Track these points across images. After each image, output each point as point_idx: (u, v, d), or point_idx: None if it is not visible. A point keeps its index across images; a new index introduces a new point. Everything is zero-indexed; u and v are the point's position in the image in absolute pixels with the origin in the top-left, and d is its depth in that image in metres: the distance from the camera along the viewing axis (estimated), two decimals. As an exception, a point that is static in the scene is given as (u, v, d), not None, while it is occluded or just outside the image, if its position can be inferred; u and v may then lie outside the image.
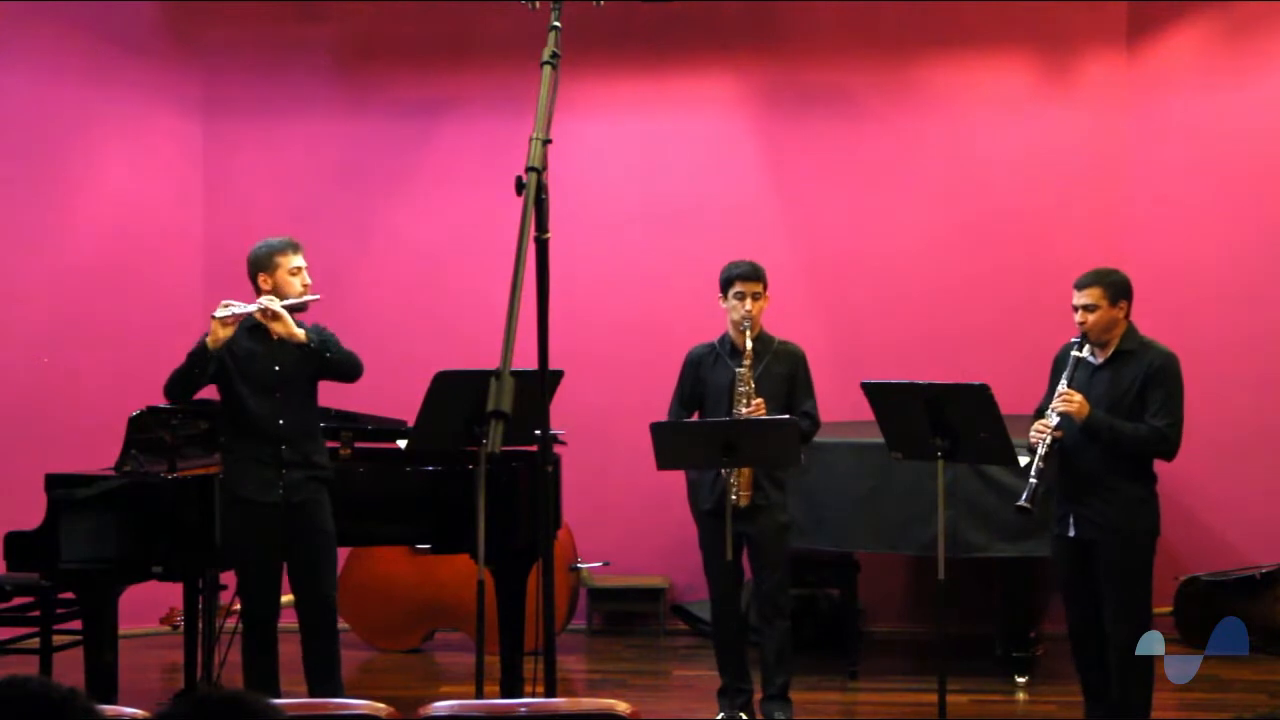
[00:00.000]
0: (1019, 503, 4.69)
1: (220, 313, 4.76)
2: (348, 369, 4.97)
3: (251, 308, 4.83)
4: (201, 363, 4.83)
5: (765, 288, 5.34)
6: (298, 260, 4.96)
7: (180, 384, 4.90)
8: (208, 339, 4.79)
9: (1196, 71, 7.29)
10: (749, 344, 5.25)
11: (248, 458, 4.93)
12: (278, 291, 4.91)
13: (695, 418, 5.41)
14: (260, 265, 4.95)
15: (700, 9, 7.47)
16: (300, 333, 4.85)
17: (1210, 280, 7.17)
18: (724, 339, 5.41)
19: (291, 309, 4.88)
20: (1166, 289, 6.81)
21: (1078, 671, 4.95)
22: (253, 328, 4.91)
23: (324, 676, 4.94)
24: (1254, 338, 7.11)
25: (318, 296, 4.98)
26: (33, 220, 7.21)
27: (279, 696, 4.74)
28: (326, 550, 5.02)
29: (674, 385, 5.50)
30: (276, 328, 4.83)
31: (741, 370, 5.24)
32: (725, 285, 5.34)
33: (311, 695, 4.83)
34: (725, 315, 5.39)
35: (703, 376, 5.41)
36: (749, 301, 5.28)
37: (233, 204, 7.67)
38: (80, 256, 7.32)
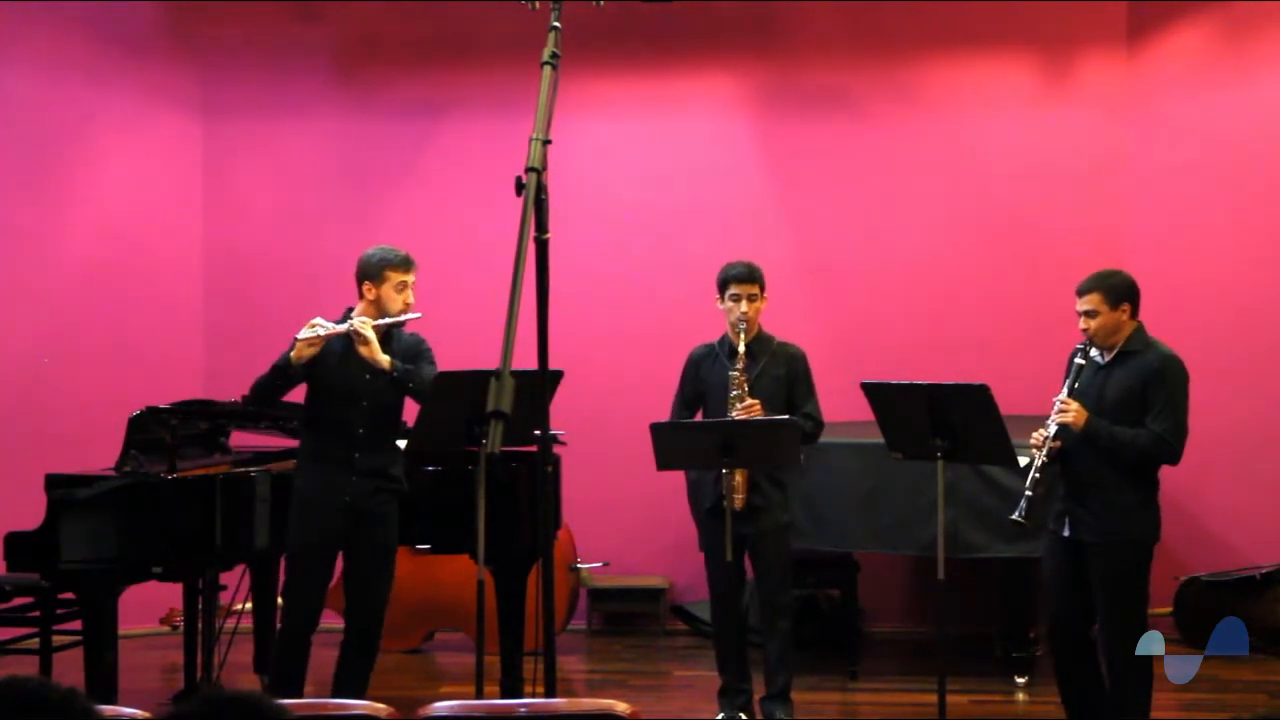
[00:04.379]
0: (1013, 517, 4.67)
1: (305, 334, 4.74)
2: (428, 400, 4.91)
3: (341, 328, 4.80)
4: (284, 376, 4.83)
5: (763, 289, 5.34)
6: (407, 277, 4.93)
7: (263, 393, 4.90)
8: (291, 354, 4.77)
9: (1196, 71, 7.30)
10: (742, 347, 5.25)
11: (321, 460, 4.93)
12: (380, 303, 4.89)
13: (698, 418, 5.41)
14: (369, 273, 4.92)
15: (700, 9, 7.47)
16: (384, 360, 4.80)
17: (1210, 280, 7.17)
18: (724, 339, 5.41)
19: (386, 327, 4.86)
20: (1166, 289, 6.79)
21: (1056, 669, 4.89)
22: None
23: (352, 688, 4.92)
24: (1253, 337, 7.11)
25: (418, 315, 4.95)
26: (33, 220, 7.21)
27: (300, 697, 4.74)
28: (385, 564, 5.00)
29: (674, 385, 5.50)
30: (363, 351, 4.78)
31: (734, 374, 5.24)
32: (721, 286, 5.34)
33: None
34: (725, 315, 5.39)
35: (703, 377, 5.41)
36: (744, 304, 5.27)
37: (232, 204, 7.68)
38: (80, 257, 7.32)
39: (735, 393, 5.22)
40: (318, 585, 4.96)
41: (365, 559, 4.95)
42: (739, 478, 5.20)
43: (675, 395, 5.48)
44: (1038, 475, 4.63)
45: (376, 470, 4.93)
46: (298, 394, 5.05)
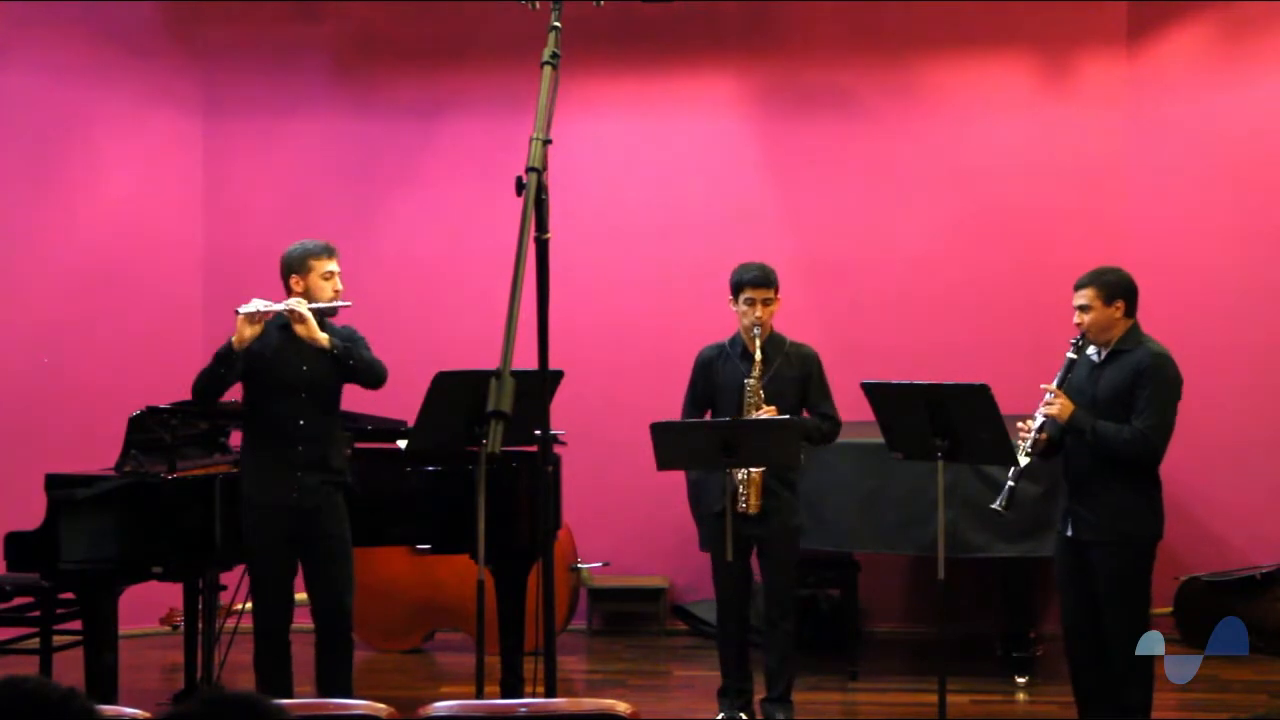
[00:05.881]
0: (993, 505, 4.69)
1: (245, 309, 4.75)
2: (369, 378, 4.93)
3: (278, 307, 4.81)
4: (227, 363, 4.82)
5: (777, 291, 5.32)
6: (332, 265, 4.94)
7: (207, 384, 4.88)
8: (233, 339, 4.77)
9: (1196, 71, 7.29)
10: (758, 353, 5.23)
11: (264, 459, 4.92)
12: (309, 295, 4.89)
13: (708, 417, 5.40)
14: (293, 267, 4.93)
15: (700, 9, 7.47)
16: (323, 337, 4.82)
17: (1210, 280, 7.17)
18: (735, 339, 5.40)
19: (320, 314, 4.86)
20: (1165, 289, 6.79)
21: (1070, 670, 4.92)
22: (284, 326, 4.87)
23: (334, 686, 4.91)
24: (1253, 338, 7.11)
25: (349, 304, 4.95)
26: (33, 220, 7.21)
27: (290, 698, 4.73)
28: (341, 556, 4.97)
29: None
30: (299, 330, 4.80)
31: (750, 382, 5.22)
32: (735, 290, 5.31)
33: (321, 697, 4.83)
34: (730, 314, 5.38)
35: (713, 378, 5.39)
36: (759, 308, 5.25)
37: (232, 204, 7.68)
38: (80, 256, 7.32)
39: (751, 400, 5.21)
40: (284, 585, 4.94)
41: (320, 556, 4.93)
42: (754, 482, 5.19)
43: (686, 395, 5.47)
44: (1021, 466, 4.65)
45: (320, 463, 4.91)
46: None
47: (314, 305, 4.85)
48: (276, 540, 4.88)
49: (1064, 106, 7.41)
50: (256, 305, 4.78)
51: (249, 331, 4.76)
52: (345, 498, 5.02)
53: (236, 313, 4.76)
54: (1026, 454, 4.68)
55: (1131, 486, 4.68)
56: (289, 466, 4.87)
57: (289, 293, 4.93)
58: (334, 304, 4.93)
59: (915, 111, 7.49)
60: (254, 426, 5.01)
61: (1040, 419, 4.69)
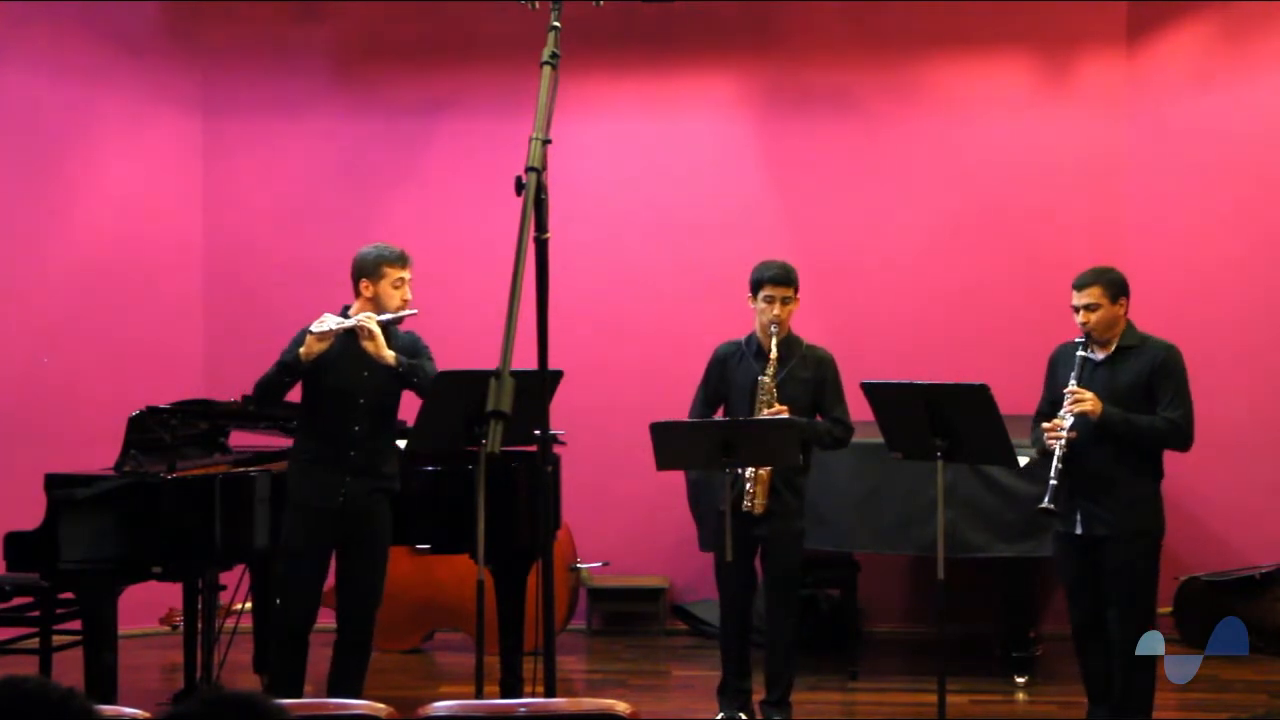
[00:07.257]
0: (1042, 505, 4.66)
1: (317, 328, 4.72)
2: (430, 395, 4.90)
3: (349, 323, 4.79)
4: (293, 374, 4.82)
5: (796, 290, 5.30)
6: (404, 274, 4.92)
7: (268, 391, 4.87)
8: (301, 350, 4.76)
9: (1196, 71, 7.30)
10: (774, 351, 5.23)
11: (314, 460, 4.92)
12: (378, 301, 4.88)
13: (720, 414, 5.39)
14: (365, 270, 4.91)
15: (700, 9, 7.47)
16: (390, 355, 4.80)
17: (1209, 280, 7.17)
18: (750, 338, 5.38)
19: (386, 324, 4.85)
20: (1165, 289, 6.82)
21: (1081, 669, 4.94)
22: (349, 331, 4.83)
23: (346, 687, 4.91)
24: (1253, 338, 7.11)
25: (415, 312, 4.94)
26: (32, 220, 7.21)
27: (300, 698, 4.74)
28: (380, 562, 4.98)
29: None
30: (368, 347, 4.77)
31: (764, 379, 5.20)
32: (755, 287, 5.29)
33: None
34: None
35: (727, 375, 5.37)
36: (778, 306, 5.23)
37: (232, 204, 7.68)
38: (80, 256, 7.31)
39: (764, 398, 5.19)
40: (314, 584, 4.96)
41: (359, 559, 4.93)
42: (761, 482, 5.18)
43: (697, 390, 5.44)
44: (1060, 465, 4.64)
45: (371, 469, 4.91)
46: (295, 394, 5.04)
47: (381, 317, 4.83)
48: (316, 542, 4.89)
49: (1064, 106, 7.42)
50: (329, 324, 4.75)
51: (318, 347, 4.75)
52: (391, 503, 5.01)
53: (309, 332, 4.73)
54: (1062, 454, 4.66)
55: (1143, 481, 4.74)
56: (339, 471, 4.86)
57: (356, 294, 4.92)
58: (401, 314, 4.91)
59: (915, 111, 7.49)
60: (308, 428, 5.01)
61: (1070, 419, 4.68)
